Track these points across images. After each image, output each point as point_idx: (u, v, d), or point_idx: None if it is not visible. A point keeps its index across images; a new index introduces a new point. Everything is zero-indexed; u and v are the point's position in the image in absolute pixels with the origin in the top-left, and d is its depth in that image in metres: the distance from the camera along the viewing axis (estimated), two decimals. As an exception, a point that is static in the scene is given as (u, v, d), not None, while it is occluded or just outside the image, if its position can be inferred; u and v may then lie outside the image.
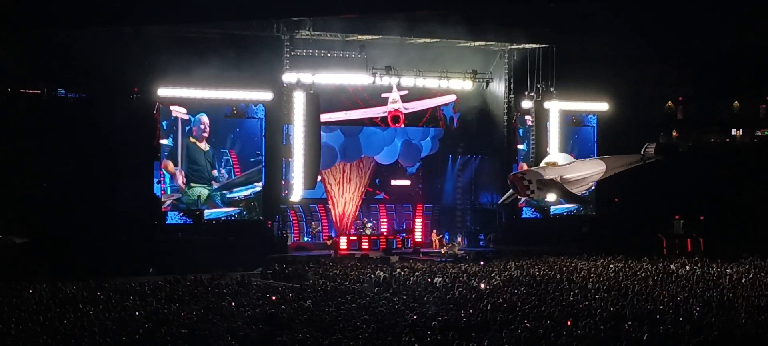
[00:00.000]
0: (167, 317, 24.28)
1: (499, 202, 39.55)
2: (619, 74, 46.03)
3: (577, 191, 36.69)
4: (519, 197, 36.71)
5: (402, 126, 44.90)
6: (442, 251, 42.87)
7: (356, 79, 42.68)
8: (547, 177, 35.02)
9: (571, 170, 36.15)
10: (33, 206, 37.41)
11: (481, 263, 38.14)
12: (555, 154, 39.04)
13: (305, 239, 45.65)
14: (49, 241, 35.89)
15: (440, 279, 31.89)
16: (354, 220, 46.48)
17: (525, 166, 43.45)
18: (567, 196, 36.89)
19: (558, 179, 35.23)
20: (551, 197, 38.32)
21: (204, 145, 40.60)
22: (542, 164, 36.47)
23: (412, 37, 42.34)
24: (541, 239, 44.16)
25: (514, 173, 36.57)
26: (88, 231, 36.58)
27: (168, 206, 39.78)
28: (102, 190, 38.01)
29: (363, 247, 43.71)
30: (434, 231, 45.88)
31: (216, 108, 40.69)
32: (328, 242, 44.23)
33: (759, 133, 55.81)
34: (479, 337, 21.55)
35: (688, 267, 35.94)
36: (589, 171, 37.10)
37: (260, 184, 41.52)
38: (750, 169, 49.29)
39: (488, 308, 25.48)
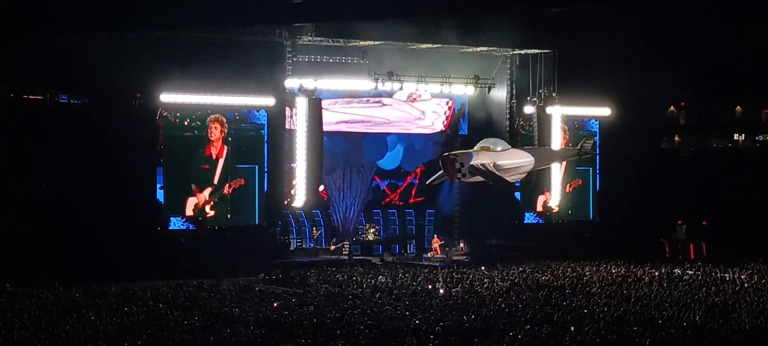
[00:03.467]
0: (169, 322, 24.27)
1: (428, 182, 39.21)
2: (622, 79, 45.94)
3: (510, 179, 36.64)
4: (449, 179, 36.63)
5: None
6: (430, 255, 42.83)
7: (358, 84, 42.64)
8: (479, 161, 34.94)
9: (504, 157, 36.15)
10: (35, 211, 37.35)
11: (482, 268, 38.08)
12: (490, 139, 38.82)
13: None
14: (52, 246, 35.86)
15: (439, 284, 31.88)
16: (355, 225, 46.35)
17: None
18: (497, 182, 36.67)
19: (491, 165, 35.14)
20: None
21: None
22: (476, 148, 36.34)
23: (414, 42, 42.31)
24: (543, 244, 44.07)
25: (446, 153, 36.36)
26: (90, 237, 36.53)
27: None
28: (104, 195, 37.94)
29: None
30: (436, 236, 45.77)
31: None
32: (332, 248, 44.14)
33: (761, 137, 55.75)
34: (481, 342, 21.54)
35: (690, 272, 35.94)
36: (523, 160, 37.16)
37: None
38: (752, 173, 49.23)
39: (491, 313, 25.48)
